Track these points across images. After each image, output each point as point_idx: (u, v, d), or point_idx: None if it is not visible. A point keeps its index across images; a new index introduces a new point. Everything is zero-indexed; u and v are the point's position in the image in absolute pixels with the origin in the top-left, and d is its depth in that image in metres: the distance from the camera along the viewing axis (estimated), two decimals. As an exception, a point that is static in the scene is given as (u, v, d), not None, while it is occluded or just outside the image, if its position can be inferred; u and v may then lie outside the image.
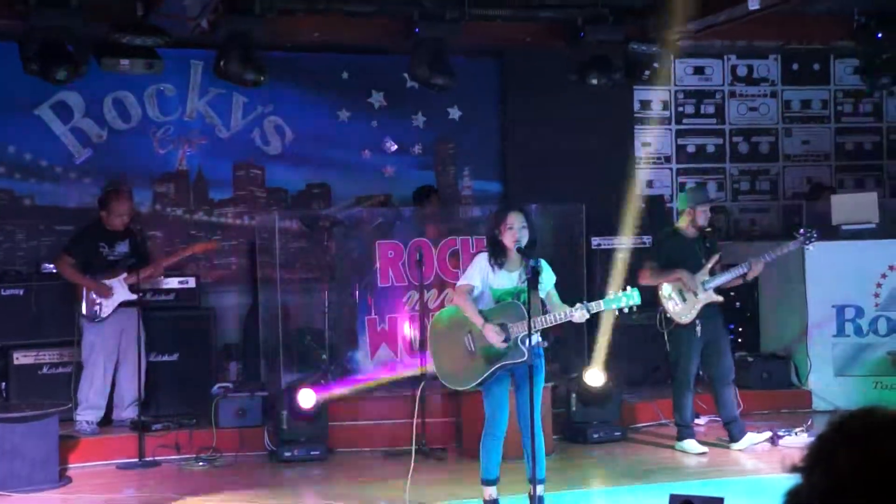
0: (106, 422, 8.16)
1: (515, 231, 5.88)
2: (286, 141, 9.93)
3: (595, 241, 9.42)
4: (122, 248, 8.23)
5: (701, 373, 7.89)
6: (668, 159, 11.00)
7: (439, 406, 8.03)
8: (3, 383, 8.24)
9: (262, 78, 8.24)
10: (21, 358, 8.25)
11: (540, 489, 5.90)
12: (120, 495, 6.98)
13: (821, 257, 8.69)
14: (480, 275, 5.96)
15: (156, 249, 9.10)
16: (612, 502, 6.72)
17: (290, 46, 9.31)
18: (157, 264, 8.37)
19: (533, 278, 5.74)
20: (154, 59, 8.42)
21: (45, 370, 8.30)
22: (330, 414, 7.96)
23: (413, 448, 6.41)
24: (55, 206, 9.29)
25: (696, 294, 7.55)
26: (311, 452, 7.74)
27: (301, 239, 9.37)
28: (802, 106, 11.29)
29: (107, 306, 8.05)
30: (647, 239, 9.07)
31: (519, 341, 5.81)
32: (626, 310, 6.02)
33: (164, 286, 8.69)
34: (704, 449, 7.69)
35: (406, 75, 9.14)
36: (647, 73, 9.22)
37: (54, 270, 8.33)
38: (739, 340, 9.51)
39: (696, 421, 8.14)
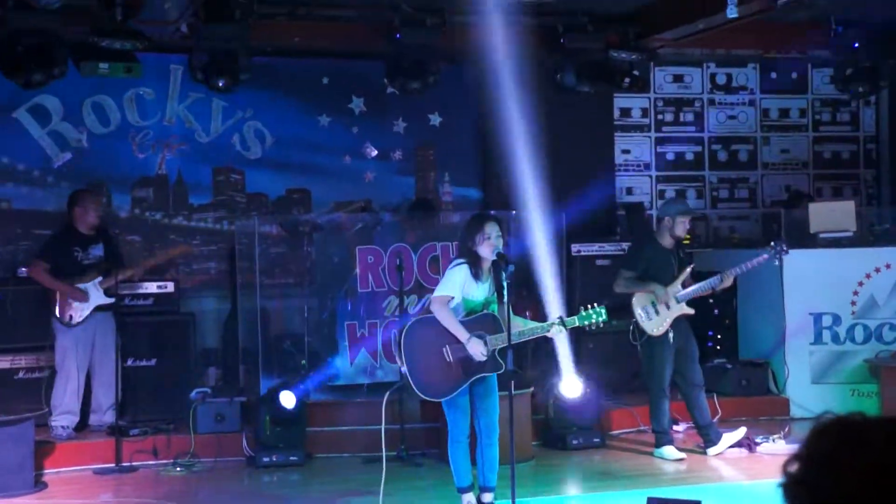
0: (83, 427, 8.11)
1: (493, 241, 5.91)
2: (266, 146, 9.90)
3: (575, 247, 9.45)
4: (97, 251, 8.18)
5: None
6: (647, 166, 11.04)
7: (418, 412, 8.02)
8: (-21, 388, 8.18)
9: (234, 84, 8.24)
10: (-4, 363, 8.19)
11: (490, 496, 6.09)
12: (96, 501, 6.95)
13: (798, 265, 8.73)
14: (461, 286, 5.98)
15: (134, 254, 9.05)
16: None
17: (271, 51, 9.29)
18: (137, 267, 8.34)
19: (506, 288, 5.81)
20: (133, 63, 8.40)
21: (20, 375, 8.24)
22: (309, 419, 7.94)
23: (384, 455, 6.39)
24: (32, 210, 9.22)
25: (668, 307, 7.60)
26: (290, 458, 7.72)
27: (281, 244, 9.35)
28: (781, 114, 11.37)
29: (81, 311, 8.00)
30: (626, 246, 9.11)
31: (496, 353, 5.89)
32: (593, 326, 6.11)
33: (143, 291, 8.65)
34: (682, 455, 7.71)
35: (387, 81, 9.14)
36: (627, 80, 9.26)
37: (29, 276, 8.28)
38: (718, 347, 9.56)
39: (675, 427, 8.17)
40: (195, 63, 8.43)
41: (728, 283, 7.61)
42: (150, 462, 7.71)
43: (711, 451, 7.75)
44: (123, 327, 8.12)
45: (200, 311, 9.33)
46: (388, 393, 7.01)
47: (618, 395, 8.88)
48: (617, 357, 8.96)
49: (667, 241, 7.75)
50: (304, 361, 8.50)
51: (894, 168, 11.35)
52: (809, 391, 8.88)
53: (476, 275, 5.97)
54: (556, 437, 8.14)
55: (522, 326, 6.03)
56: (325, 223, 9.32)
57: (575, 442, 8.08)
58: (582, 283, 9.17)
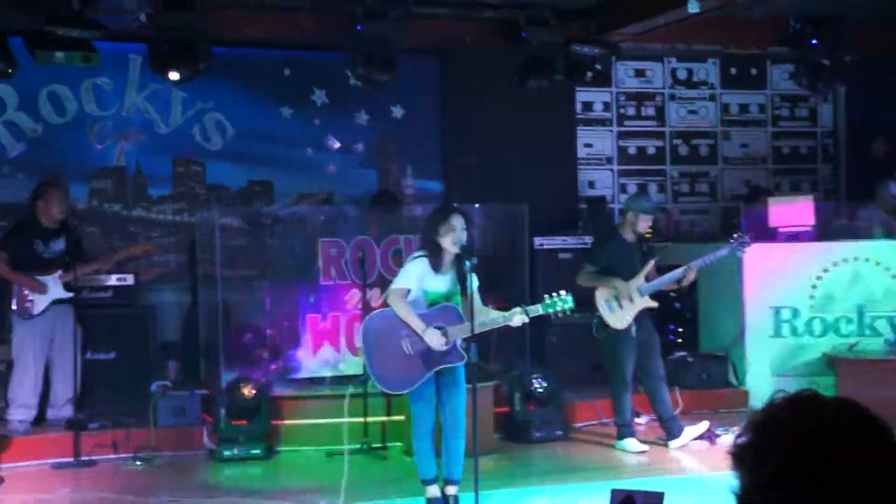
0: (41, 421, 7.99)
1: (458, 233, 5.89)
2: (227, 137, 9.82)
3: (538, 241, 9.47)
4: (58, 245, 8.07)
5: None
6: (609, 160, 11.09)
7: (382, 404, 7.99)
8: (-66, 382, 8.05)
9: (194, 75, 8.16)
10: (-48, 356, 8.07)
11: (454, 489, 6.08)
12: (55, 496, 6.84)
13: (758, 259, 8.81)
14: (417, 278, 5.95)
15: (92, 246, 8.92)
16: (554, 500, 6.74)
17: (231, 42, 9.20)
18: (103, 260, 8.26)
19: (469, 280, 5.80)
20: (91, 53, 8.26)
21: (-23, 368, 8.12)
22: (271, 412, 7.89)
23: (346, 448, 6.36)
24: (-13, 201, 9.08)
25: (631, 300, 7.62)
26: (252, 451, 7.66)
27: (242, 236, 9.27)
28: (741, 110, 11.47)
29: (39, 303, 7.89)
30: (589, 240, 9.14)
31: (457, 344, 5.87)
32: (560, 314, 6.09)
33: (102, 283, 8.55)
34: (644, 448, 7.76)
35: (349, 72, 9.09)
36: (589, 74, 9.29)
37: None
38: (679, 340, 9.62)
39: (637, 420, 8.21)
40: (154, 53, 8.32)
41: (692, 276, 7.65)
42: (110, 456, 7.60)
43: (673, 443, 7.80)
44: (82, 320, 8.01)
45: (160, 303, 9.25)
46: (350, 386, 7.00)
47: (580, 388, 8.91)
48: (579, 350, 8.99)
49: (629, 236, 7.78)
50: (265, 354, 8.45)
51: (851, 163, 11.49)
52: (769, 383, 8.97)
53: (436, 266, 5.95)
54: (519, 429, 8.15)
55: (485, 317, 6.01)
56: (287, 215, 9.26)
57: (538, 434, 8.10)
58: (545, 277, 9.19)
